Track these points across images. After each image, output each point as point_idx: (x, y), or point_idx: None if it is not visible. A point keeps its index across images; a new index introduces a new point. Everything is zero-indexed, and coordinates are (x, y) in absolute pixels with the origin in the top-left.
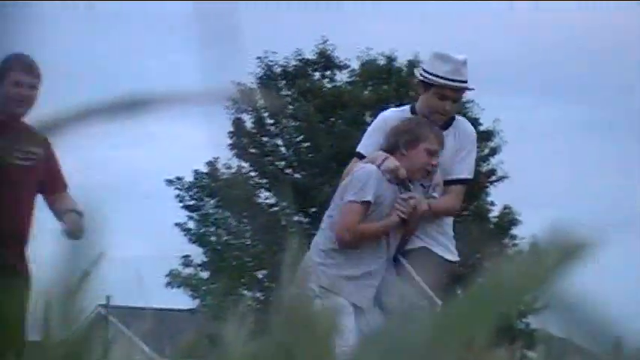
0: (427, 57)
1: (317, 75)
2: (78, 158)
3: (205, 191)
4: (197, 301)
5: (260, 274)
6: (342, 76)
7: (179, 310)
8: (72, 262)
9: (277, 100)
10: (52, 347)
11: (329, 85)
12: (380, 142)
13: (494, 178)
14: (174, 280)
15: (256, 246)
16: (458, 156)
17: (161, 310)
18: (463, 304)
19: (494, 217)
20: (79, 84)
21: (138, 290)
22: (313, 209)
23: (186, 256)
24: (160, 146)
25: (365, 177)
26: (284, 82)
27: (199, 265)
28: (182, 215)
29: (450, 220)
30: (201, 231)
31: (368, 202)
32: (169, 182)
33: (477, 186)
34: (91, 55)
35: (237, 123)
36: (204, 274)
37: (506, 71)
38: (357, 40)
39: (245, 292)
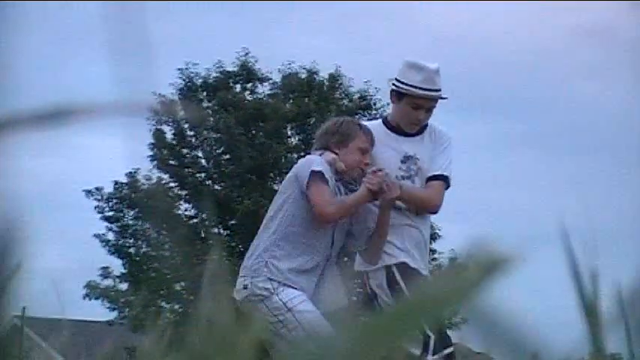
0: (400, 66)
1: (238, 87)
2: None
3: (125, 202)
4: (115, 313)
5: (179, 286)
6: (263, 89)
7: (97, 322)
8: None
9: (198, 111)
10: None
11: (250, 98)
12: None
13: None
14: (93, 291)
15: (175, 258)
16: (434, 153)
17: (79, 321)
18: (383, 318)
19: None
20: None
21: (55, 301)
22: (232, 221)
23: (104, 268)
24: (79, 157)
25: (312, 159)
26: (205, 93)
27: (118, 277)
28: (101, 226)
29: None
30: (120, 242)
31: (326, 178)
32: (88, 193)
33: None
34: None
35: (158, 134)
36: (123, 286)
37: None
38: (279, 52)
39: (164, 304)
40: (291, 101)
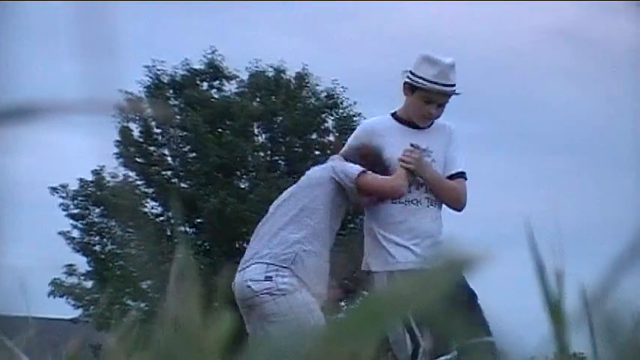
0: (415, 59)
1: (205, 85)
2: None
3: (90, 200)
4: (80, 311)
5: (145, 285)
6: (230, 87)
7: (62, 320)
8: None
9: (165, 109)
10: None
11: (217, 96)
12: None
13: None
14: (57, 289)
15: (141, 256)
16: (450, 150)
17: (43, 319)
18: (348, 317)
19: None
20: None
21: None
22: (199, 220)
23: (69, 265)
24: (45, 154)
25: (344, 162)
26: (172, 91)
27: (83, 275)
28: (66, 224)
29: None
30: (85, 240)
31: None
32: (53, 190)
33: None
34: None
35: (124, 132)
36: (88, 284)
37: (395, 85)
38: (246, 51)
39: (129, 302)
40: (258, 100)
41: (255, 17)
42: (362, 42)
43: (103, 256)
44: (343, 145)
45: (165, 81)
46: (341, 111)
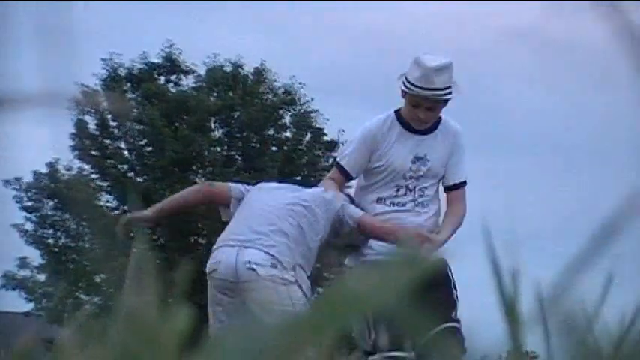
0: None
1: (162, 79)
2: None
3: (44, 193)
4: (33, 304)
5: (99, 278)
6: (187, 81)
7: (14, 313)
8: None
9: (121, 102)
10: None
11: (174, 90)
12: (366, 157)
13: None
14: (10, 282)
15: (95, 249)
16: (454, 158)
17: None
18: (307, 314)
19: None
20: None
21: None
22: None
23: (22, 258)
24: None
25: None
26: (129, 84)
27: (36, 268)
28: (20, 216)
29: None
30: (38, 233)
31: None
32: (7, 183)
33: None
34: None
35: (80, 125)
36: (41, 277)
37: (352, 82)
38: (204, 45)
39: (83, 296)
40: (216, 94)
41: (213, 12)
42: (320, 38)
43: (56, 249)
44: (299, 141)
45: (122, 74)
46: (298, 107)
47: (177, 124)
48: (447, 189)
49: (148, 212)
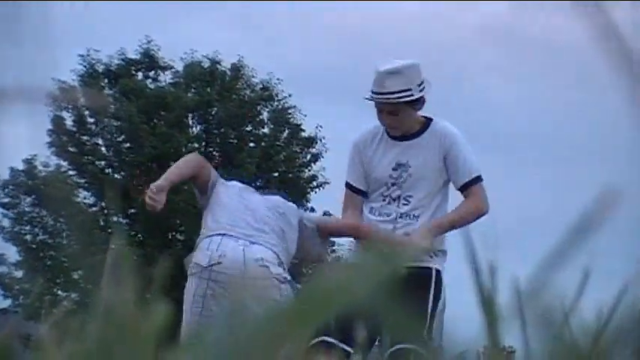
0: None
1: (140, 75)
2: None
3: (21, 189)
4: (10, 301)
5: (76, 275)
6: (165, 77)
7: None
8: None
9: (99, 98)
10: None
11: (152, 86)
12: (360, 168)
13: (314, 184)
14: None
15: (73, 246)
16: (448, 159)
17: None
18: (282, 310)
19: None
20: None
21: None
22: (132, 210)
23: None
24: None
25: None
26: (106, 81)
27: (13, 264)
28: None
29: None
30: (15, 229)
31: None
32: None
33: (298, 192)
34: None
35: (57, 121)
36: (18, 273)
37: (330, 79)
38: (182, 41)
39: (60, 292)
40: (193, 90)
41: (190, 8)
42: (297, 35)
43: (34, 246)
44: (277, 137)
45: (99, 70)
46: (276, 103)
47: (155, 121)
48: (460, 190)
49: (163, 182)
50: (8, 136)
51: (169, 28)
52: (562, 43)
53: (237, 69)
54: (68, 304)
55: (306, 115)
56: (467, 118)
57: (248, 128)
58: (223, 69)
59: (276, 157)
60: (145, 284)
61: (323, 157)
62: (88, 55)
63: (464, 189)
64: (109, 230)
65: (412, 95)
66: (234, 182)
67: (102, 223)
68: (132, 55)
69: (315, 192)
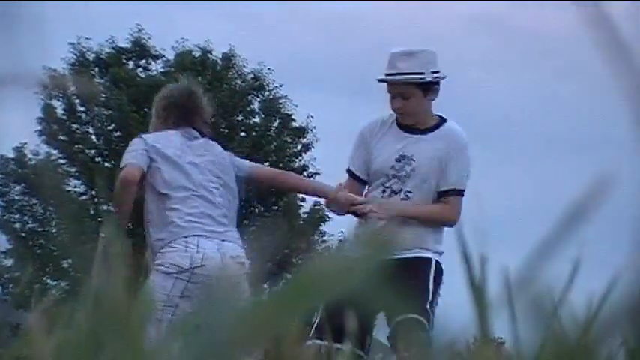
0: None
1: (131, 64)
2: None
3: (12, 177)
4: (0, 290)
5: (66, 263)
6: (156, 66)
7: None
8: None
9: (90, 87)
10: None
11: (143, 75)
12: (363, 155)
13: (305, 174)
14: None
15: (63, 234)
16: (448, 164)
17: None
18: (271, 299)
19: (305, 213)
20: None
21: None
22: None
23: None
24: None
25: None
26: (97, 69)
27: (3, 253)
28: None
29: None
30: (5, 217)
31: None
32: None
33: None
34: None
35: (48, 109)
36: (8, 262)
37: (321, 69)
38: (173, 30)
39: (50, 281)
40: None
41: None
42: (289, 24)
43: (23, 234)
44: (268, 127)
45: (90, 59)
46: (267, 93)
47: (145, 110)
48: (437, 194)
49: None
50: None
51: (160, 16)
52: (551, 33)
53: (228, 58)
54: (58, 292)
55: (297, 105)
56: (455, 107)
57: (239, 118)
58: (214, 58)
59: (266, 147)
60: (134, 273)
61: (314, 147)
62: (79, 44)
63: (442, 195)
64: (99, 219)
65: (424, 78)
66: (168, 139)
67: (92, 212)
68: (123, 44)
69: None
